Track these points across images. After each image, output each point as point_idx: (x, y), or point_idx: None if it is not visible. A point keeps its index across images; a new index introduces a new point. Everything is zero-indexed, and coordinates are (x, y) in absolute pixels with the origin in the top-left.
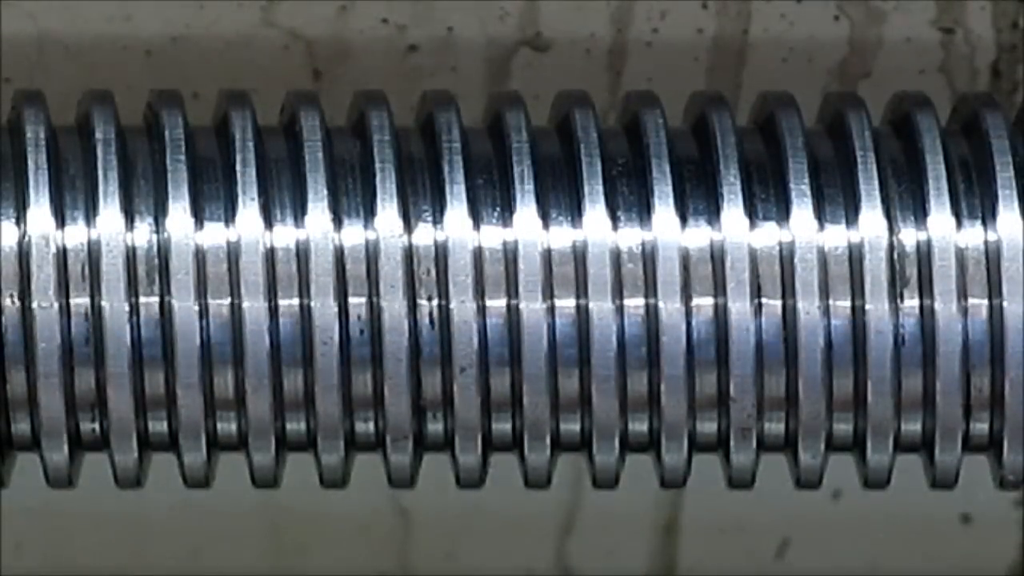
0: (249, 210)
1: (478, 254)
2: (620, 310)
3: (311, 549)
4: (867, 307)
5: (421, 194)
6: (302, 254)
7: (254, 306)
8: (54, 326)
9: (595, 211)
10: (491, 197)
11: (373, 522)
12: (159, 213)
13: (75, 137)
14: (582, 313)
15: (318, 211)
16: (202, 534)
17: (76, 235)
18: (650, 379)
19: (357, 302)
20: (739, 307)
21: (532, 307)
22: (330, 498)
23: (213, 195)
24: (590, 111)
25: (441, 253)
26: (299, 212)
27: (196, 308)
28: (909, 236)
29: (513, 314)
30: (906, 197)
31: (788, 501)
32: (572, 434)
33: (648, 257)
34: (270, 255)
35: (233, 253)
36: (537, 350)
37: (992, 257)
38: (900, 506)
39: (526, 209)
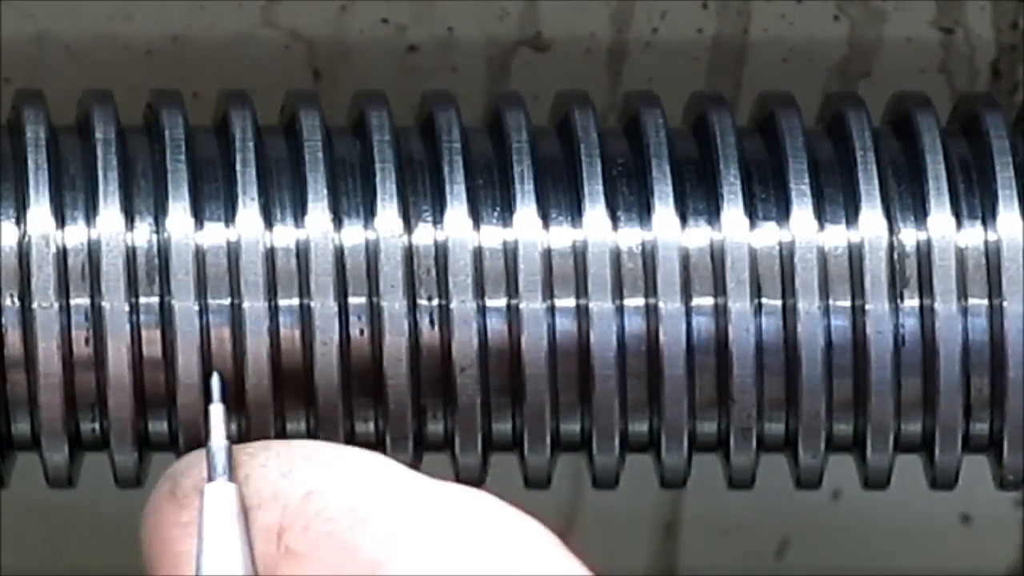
0: (249, 210)
1: (478, 254)
2: (620, 310)
3: None
4: (867, 307)
5: (421, 194)
6: (302, 254)
7: (254, 306)
8: (54, 326)
9: (595, 211)
10: (491, 197)
11: None
12: (159, 213)
13: (75, 137)
14: (582, 313)
15: (318, 211)
16: None
17: (76, 235)
18: (650, 379)
19: (357, 302)
20: (739, 307)
21: (532, 307)
22: None
23: (213, 195)
24: (590, 111)
25: (441, 253)
26: (299, 212)
27: (196, 308)
28: (909, 236)
29: (513, 313)
30: (906, 197)
31: (788, 501)
32: (572, 434)
33: (648, 257)
34: (270, 255)
35: (233, 253)
36: (537, 350)
37: (992, 257)
38: (900, 506)
39: (526, 209)
